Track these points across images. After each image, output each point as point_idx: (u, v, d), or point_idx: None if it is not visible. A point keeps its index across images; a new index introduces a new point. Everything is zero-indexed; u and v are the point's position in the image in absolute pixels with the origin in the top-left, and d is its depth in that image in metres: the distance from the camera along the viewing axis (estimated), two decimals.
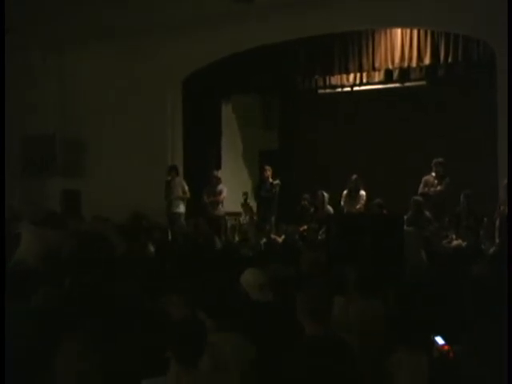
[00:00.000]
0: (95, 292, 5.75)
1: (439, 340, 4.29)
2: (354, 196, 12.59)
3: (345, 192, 12.74)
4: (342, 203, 12.70)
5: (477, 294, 5.37)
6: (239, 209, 13.91)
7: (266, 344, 4.35)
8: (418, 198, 11.20)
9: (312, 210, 13.13)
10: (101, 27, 13.62)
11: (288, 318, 4.55)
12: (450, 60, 11.99)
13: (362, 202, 12.52)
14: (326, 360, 3.79)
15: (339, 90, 14.57)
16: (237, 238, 11.12)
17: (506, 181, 9.75)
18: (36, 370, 4.02)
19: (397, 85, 13.67)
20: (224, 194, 13.39)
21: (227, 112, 15.63)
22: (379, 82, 13.63)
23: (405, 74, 13.05)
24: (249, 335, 4.33)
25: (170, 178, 13.23)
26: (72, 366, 3.76)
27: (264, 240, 10.38)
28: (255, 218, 13.44)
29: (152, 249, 8.88)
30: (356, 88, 14.25)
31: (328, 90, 14.78)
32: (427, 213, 10.95)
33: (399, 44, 12.48)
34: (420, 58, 12.29)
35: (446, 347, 4.23)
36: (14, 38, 12.96)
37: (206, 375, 3.72)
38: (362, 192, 12.62)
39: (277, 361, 4.08)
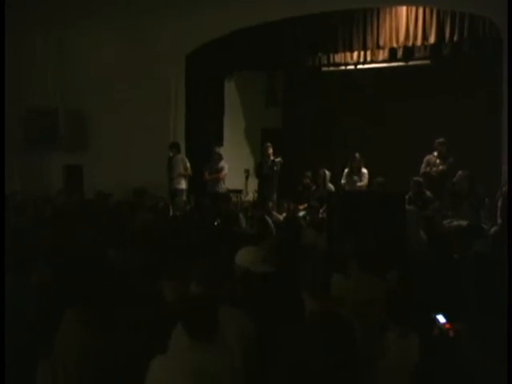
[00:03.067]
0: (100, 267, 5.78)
1: (440, 318, 4.29)
2: (355, 174, 12.59)
3: (346, 170, 12.73)
4: (343, 181, 12.68)
5: (476, 274, 5.38)
6: (241, 186, 13.90)
7: (265, 320, 4.37)
8: (419, 178, 11.18)
9: (313, 188, 13.12)
10: (103, 2, 13.55)
11: (287, 295, 4.57)
12: (455, 38, 11.91)
13: (365, 180, 12.52)
14: (326, 336, 3.79)
15: (343, 67, 14.48)
16: (239, 215, 11.08)
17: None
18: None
19: (401, 63, 13.58)
20: (225, 171, 13.38)
21: (230, 89, 15.58)
22: (383, 61, 13.54)
23: (409, 52, 12.96)
24: (249, 311, 4.35)
25: (171, 155, 13.21)
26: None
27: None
28: (256, 195, 13.44)
29: (154, 224, 8.88)
30: (360, 66, 14.17)
31: (332, 68, 14.70)
32: (428, 192, 10.95)
33: (404, 22, 12.40)
34: (425, 36, 12.21)
35: (448, 325, 4.23)
36: (15, 12, 12.88)
37: (216, 350, 3.71)
38: (364, 170, 12.62)
39: (277, 337, 4.10)
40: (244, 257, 5.21)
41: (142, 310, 4.62)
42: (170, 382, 3.56)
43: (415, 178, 11.11)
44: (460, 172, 10.88)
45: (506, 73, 10.73)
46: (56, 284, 5.13)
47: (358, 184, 12.46)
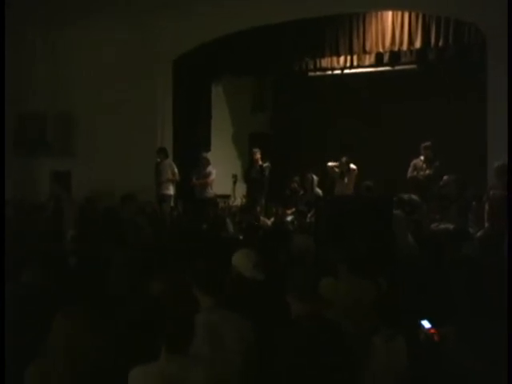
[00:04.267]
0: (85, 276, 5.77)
1: (426, 324, 4.32)
2: (343, 177, 12.67)
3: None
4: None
5: (464, 277, 5.41)
6: (228, 191, 13.90)
7: (256, 324, 4.38)
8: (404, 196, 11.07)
9: (301, 192, 13.15)
10: (92, 6, 13.54)
11: (277, 299, 4.58)
12: (440, 44, 11.96)
13: (353, 178, 12.62)
14: (312, 341, 3.81)
15: (330, 72, 14.52)
16: (226, 220, 11.09)
17: (495, 164, 9.79)
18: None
19: (387, 68, 13.64)
20: (213, 176, 13.35)
21: (217, 93, 15.57)
22: (370, 65, 13.58)
23: (395, 57, 13.01)
24: (242, 314, 4.36)
25: (159, 160, 13.20)
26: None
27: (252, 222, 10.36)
28: (243, 200, 13.46)
29: (141, 229, 8.88)
30: (346, 71, 14.22)
31: (318, 73, 14.73)
32: (415, 196, 10.96)
33: (390, 27, 12.44)
34: (411, 41, 12.26)
35: (433, 331, 4.26)
36: (6, 15, 12.84)
37: (196, 360, 3.72)
38: (353, 167, 12.69)
39: (267, 341, 4.11)
40: (236, 260, 5.22)
41: (129, 315, 4.62)
42: None
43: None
44: (446, 176, 10.92)
45: (492, 78, 10.81)
46: (43, 287, 5.12)
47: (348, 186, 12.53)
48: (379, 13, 12.57)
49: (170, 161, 13.36)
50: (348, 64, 13.73)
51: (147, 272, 5.33)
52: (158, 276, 5.22)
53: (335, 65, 13.97)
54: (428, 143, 11.83)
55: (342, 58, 13.67)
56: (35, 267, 5.39)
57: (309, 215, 10.81)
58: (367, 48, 12.80)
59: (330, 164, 12.81)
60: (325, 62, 14.00)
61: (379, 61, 13.21)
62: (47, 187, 14.42)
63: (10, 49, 13.48)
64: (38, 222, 9.30)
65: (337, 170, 12.74)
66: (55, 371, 3.64)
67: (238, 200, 13.72)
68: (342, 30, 12.91)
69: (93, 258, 6.39)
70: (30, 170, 14.53)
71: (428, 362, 4.13)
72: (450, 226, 9.29)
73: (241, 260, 5.22)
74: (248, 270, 5.11)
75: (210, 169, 13.39)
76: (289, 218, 11.56)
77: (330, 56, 13.64)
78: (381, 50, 12.76)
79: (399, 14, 12.32)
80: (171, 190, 13.22)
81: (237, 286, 4.80)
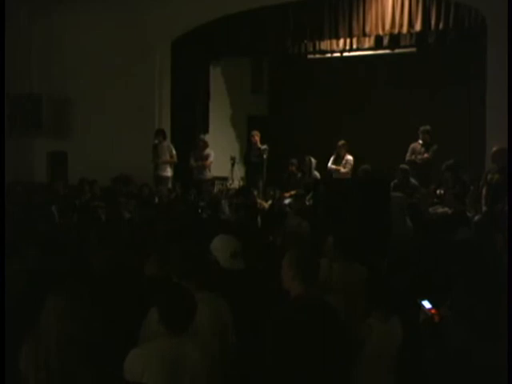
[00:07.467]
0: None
1: (426, 304, 4.31)
2: (340, 161, 12.66)
3: (332, 157, 12.80)
4: (330, 166, 12.74)
5: (459, 261, 5.41)
6: (227, 173, 13.87)
7: (238, 308, 4.38)
8: (405, 166, 11.21)
9: (299, 175, 13.12)
10: None
11: (264, 284, 4.58)
12: (440, 27, 11.89)
13: (348, 166, 12.59)
14: (310, 321, 3.81)
15: (329, 55, 14.43)
16: (222, 202, 11.06)
17: (493, 149, 9.80)
18: None
19: (387, 51, 13.56)
20: (211, 158, 13.32)
21: (216, 76, 15.49)
22: (369, 48, 13.49)
23: (395, 40, 12.93)
24: (223, 299, 4.36)
25: (157, 142, 13.15)
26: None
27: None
28: (241, 182, 13.43)
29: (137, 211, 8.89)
30: (346, 54, 14.13)
31: (317, 55, 14.64)
32: (413, 180, 10.99)
33: (390, 10, 12.35)
34: (411, 24, 12.18)
35: (433, 311, 4.25)
36: None
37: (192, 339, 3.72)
38: (349, 157, 12.68)
39: (250, 326, 4.11)
40: (214, 247, 5.06)
41: (124, 295, 4.62)
42: (147, 373, 3.58)
43: (402, 166, 11.14)
44: (448, 160, 10.91)
45: (492, 61, 10.78)
46: (38, 270, 5.11)
47: (342, 171, 12.52)
48: None
49: (168, 142, 13.33)
50: (347, 47, 13.63)
51: (144, 253, 5.32)
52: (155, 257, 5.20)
53: (334, 47, 13.85)
54: (427, 127, 11.81)
55: (341, 41, 13.56)
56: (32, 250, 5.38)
57: (307, 197, 10.78)
58: (367, 30, 12.71)
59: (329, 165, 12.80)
60: (324, 45, 13.88)
61: (379, 44, 13.13)
62: (43, 169, 14.41)
63: (5, 31, 13.41)
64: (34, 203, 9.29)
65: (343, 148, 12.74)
66: (48, 351, 3.63)
67: (236, 182, 13.69)
68: (342, 13, 12.81)
69: (87, 240, 6.36)
70: (25, 152, 14.48)
71: (426, 343, 4.13)
72: (448, 210, 9.31)
73: (219, 247, 5.01)
74: (225, 259, 4.92)
75: (208, 151, 13.35)
76: (287, 201, 11.54)
77: (330, 38, 13.53)
78: (381, 32, 12.67)
79: None
80: (169, 172, 13.20)
81: (215, 273, 4.69)
